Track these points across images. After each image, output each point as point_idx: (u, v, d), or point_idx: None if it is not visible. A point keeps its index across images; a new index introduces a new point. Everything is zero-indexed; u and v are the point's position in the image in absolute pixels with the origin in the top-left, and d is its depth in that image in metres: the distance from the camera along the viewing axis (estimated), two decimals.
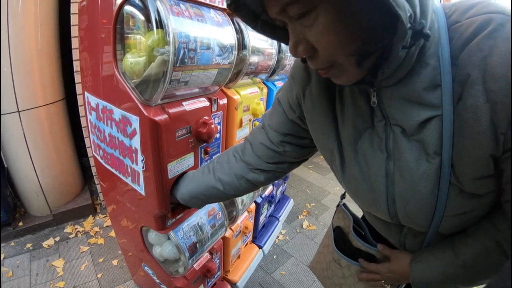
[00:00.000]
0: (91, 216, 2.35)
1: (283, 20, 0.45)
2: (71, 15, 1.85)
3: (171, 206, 1.01)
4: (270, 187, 1.87)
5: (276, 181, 1.96)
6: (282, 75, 1.56)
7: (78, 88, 2.00)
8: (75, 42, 1.92)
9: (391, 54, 0.43)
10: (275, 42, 1.31)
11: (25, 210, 2.23)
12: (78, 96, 2.02)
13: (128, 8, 0.77)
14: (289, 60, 1.47)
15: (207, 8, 0.90)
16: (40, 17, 1.88)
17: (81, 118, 2.13)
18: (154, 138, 0.81)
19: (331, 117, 0.61)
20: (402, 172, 0.54)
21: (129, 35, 0.82)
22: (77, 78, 2.00)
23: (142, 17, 0.76)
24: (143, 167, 0.88)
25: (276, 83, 1.51)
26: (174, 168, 0.90)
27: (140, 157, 0.87)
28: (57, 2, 2.00)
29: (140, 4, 0.76)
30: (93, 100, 1.00)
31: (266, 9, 0.46)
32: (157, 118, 0.79)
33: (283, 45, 1.40)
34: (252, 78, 1.28)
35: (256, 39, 1.14)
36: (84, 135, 2.16)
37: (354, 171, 0.61)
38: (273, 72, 1.42)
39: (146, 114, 0.79)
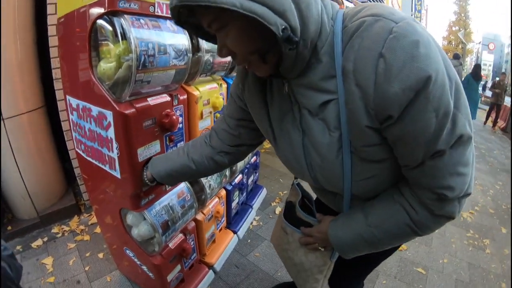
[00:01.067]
0: (76, 216, 2.56)
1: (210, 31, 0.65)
2: (48, 27, 2.08)
3: (145, 188, 1.25)
4: (240, 176, 2.11)
5: (245, 170, 2.21)
6: None
7: (59, 95, 2.22)
8: (53, 52, 2.14)
9: (283, 54, 0.61)
10: None
11: (13, 214, 2.43)
12: (58, 103, 2.24)
13: (99, 22, 1.01)
14: None
15: (164, 19, 1.15)
16: (19, 26, 2.09)
17: (62, 123, 2.35)
18: (124, 127, 1.05)
19: (263, 103, 0.83)
20: (313, 144, 0.73)
21: (101, 44, 1.06)
22: (57, 85, 2.23)
23: (110, 29, 1.01)
24: (117, 154, 1.12)
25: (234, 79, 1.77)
26: (143, 152, 1.14)
27: (115, 144, 1.11)
28: (33, 13, 2.22)
29: (108, 20, 1.00)
30: (74, 101, 1.24)
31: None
32: (126, 112, 1.04)
33: None
34: (211, 76, 1.53)
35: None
36: (66, 139, 2.39)
37: (283, 146, 0.83)
38: (232, 70, 1.68)
39: (117, 109, 1.03)
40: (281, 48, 0.59)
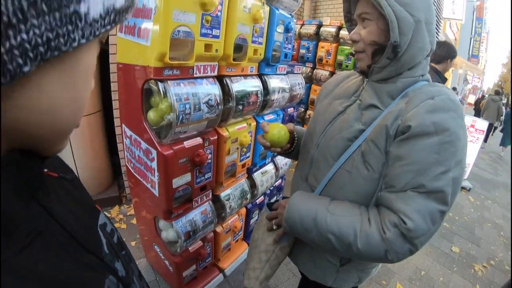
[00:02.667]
0: (117, 205, 3.11)
1: (356, 20, 0.98)
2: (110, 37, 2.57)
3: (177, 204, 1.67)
4: (261, 197, 2.50)
5: (268, 191, 2.59)
6: (270, 110, 2.20)
7: (114, 104, 2.74)
8: (112, 58, 2.63)
9: (381, 60, 0.92)
10: (260, 88, 1.93)
11: None
12: (114, 111, 2.76)
13: (149, 82, 1.43)
14: (276, 99, 2.10)
15: (201, 79, 1.54)
16: None
17: (116, 128, 2.88)
18: (164, 164, 1.47)
19: (337, 86, 1.20)
20: (343, 120, 1.02)
21: (151, 95, 1.47)
22: (114, 95, 2.74)
23: (157, 89, 1.41)
24: (158, 179, 1.55)
25: (265, 116, 2.15)
26: (177, 182, 1.56)
27: (156, 173, 1.54)
28: None
29: (155, 84, 1.41)
30: (127, 131, 1.68)
31: (353, 13, 1.01)
32: (166, 153, 1.45)
33: (269, 87, 2.02)
34: (243, 116, 1.92)
35: (241, 90, 1.77)
36: (118, 141, 2.92)
37: (320, 111, 1.15)
38: (263, 108, 2.05)
39: (160, 150, 1.45)
40: (385, 52, 0.90)
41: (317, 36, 4.35)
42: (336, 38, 4.11)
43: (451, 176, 0.80)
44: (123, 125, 1.75)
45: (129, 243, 2.67)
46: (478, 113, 13.77)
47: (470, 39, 29.13)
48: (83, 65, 0.35)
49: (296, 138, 1.28)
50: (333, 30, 4.13)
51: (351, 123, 0.99)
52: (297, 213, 0.98)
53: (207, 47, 1.47)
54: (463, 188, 5.61)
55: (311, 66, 4.50)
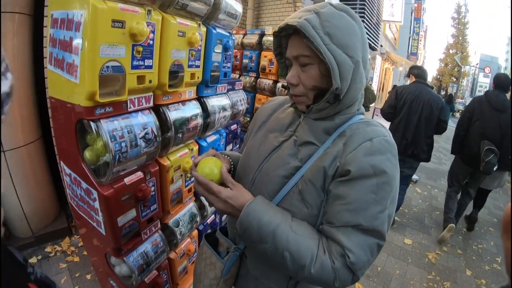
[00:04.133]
0: (67, 237, 3.04)
1: (292, 61, 0.99)
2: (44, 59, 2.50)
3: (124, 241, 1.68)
4: (212, 216, 2.54)
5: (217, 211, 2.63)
6: (213, 131, 2.24)
7: (53, 131, 2.67)
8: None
9: (321, 103, 0.95)
10: (200, 111, 1.97)
11: (10, 232, 2.90)
12: (54, 137, 2.69)
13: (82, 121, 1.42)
14: (218, 120, 2.15)
15: (135, 113, 1.55)
16: (16, 56, 2.52)
17: (57, 156, 2.80)
18: (106, 204, 1.48)
19: (270, 116, 1.22)
20: (278, 156, 1.03)
21: (86, 133, 1.46)
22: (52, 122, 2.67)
23: (90, 128, 1.40)
24: (102, 219, 1.55)
25: (207, 138, 2.19)
26: (122, 219, 1.57)
27: (100, 213, 1.54)
28: (31, 50, 2.64)
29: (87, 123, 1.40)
30: (67, 169, 1.66)
31: (287, 53, 1.01)
32: (106, 193, 1.46)
33: (209, 109, 2.06)
34: (184, 143, 1.95)
35: (180, 117, 1.79)
36: (60, 169, 2.84)
37: (256, 143, 1.15)
38: (205, 130, 2.09)
39: (100, 190, 1.45)
40: (326, 96, 0.94)
41: (259, 46, 4.43)
42: None
43: (387, 214, 0.88)
44: (61, 163, 1.72)
45: (84, 277, 2.63)
46: None
47: (409, 38, 31.75)
48: None
49: (232, 168, 1.25)
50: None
51: (287, 159, 1.01)
52: (257, 220, 0.91)
53: (140, 79, 1.48)
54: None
55: (255, 75, 4.60)
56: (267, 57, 4.30)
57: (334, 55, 0.88)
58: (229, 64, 2.20)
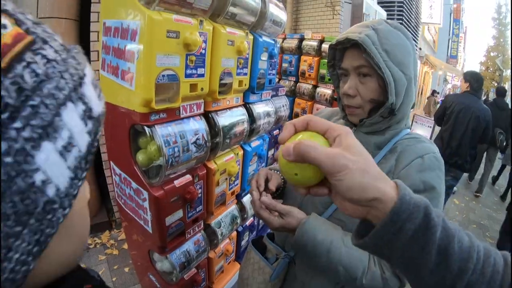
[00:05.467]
0: (107, 230, 3.21)
1: (349, 72, 1.05)
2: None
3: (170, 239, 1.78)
4: (251, 219, 2.63)
5: None
6: (257, 137, 2.32)
7: None
8: None
9: (375, 117, 1.02)
10: (246, 117, 2.05)
11: None
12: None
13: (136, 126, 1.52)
14: (262, 125, 2.22)
15: (187, 119, 1.65)
16: None
17: (102, 154, 2.97)
18: (156, 204, 1.58)
19: None
20: None
21: (140, 136, 1.57)
22: None
23: (145, 132, 1.50)
24: (151, 218, 1.66)
25: (252, 143, 2.27)
26: (169, 220, 1.67)
27: (149, 212, 1.65)
28: None
29: (142, 128, 1.50)
30: (117, 169, 1.78)
31: (344, 64, 1.07)
32: (157, 194, 1.55)
33: (255, 114, 2.14)
34: (230, 148, 2.04)
35: (228, 124, 1.88)
36: (104, 167, 3.01)
37: None
38: (250, 136, 2.17)
39: (151, 191, 1.55)
40: (380, 111, 1.01)
41: (299, 50, 4.49)
42: (318, 51, 4.26)
43: None
44: (111, 163, 1.84)
45: (122, 269, 2.78)
46: None
47: (448, 40, 31.11)
48: (75, 218, 0.43)
49: (283, 183, 1.29)
50: (315, 43, 4.28)
51: None
52: (311, 239, 0.97)
53: (193, 87, 1.57)
54: None
55: (294, 80, 4.65)
56: (307, 61, 4.35)
57: (391, 72, 0.95)
58: (274, 71, 2.27)
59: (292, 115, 4.52)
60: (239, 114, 2.00)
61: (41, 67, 0.33)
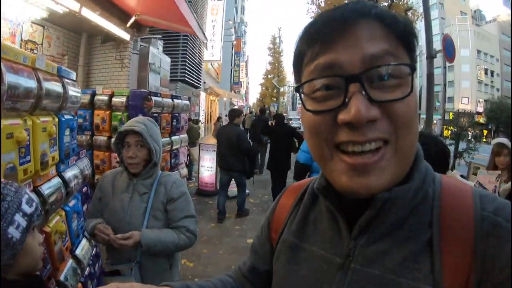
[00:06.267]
0: None
1: (131, 144, 2.08)
2: None
3: None
4: (87, 268, 3.00)
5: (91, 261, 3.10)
6: (72, 197, 2.78)
7: None
8: None
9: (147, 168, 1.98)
10: (62, 185, 2.52)
11: None
12: None
13: None
14: (74, 186, 2.71)
15: None
16: None
17: None
18: None
19: None
20: None
21: None
22: None
23: None
24: None
25: (69, 204, 2.69)
26: None
27: None
28: None
29: None
30: None
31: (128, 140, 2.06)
32: None
33: (67, 180, 2.62)
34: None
35: (51, 193, 2.33)
36: None
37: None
38: (67, 197, 2.61)
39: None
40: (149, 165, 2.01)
41: (91, 105, 4.84)
42: (109, 105, 4.74)
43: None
44: None
45: None
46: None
47: (231, 70, 36.57)
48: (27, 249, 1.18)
49: None
50: (106, 98, 4.74)
51: None
52: (154, 237, 2.03)
53: (25, 171, 1.96)
54: None
55: (90, 133, 4.95)
56: (100, 115, 4.78)
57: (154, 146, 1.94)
58: (75, 140, 2.77)
59: (93, 168, 4.78)
60: (57, 183, 2.43)
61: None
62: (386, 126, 0.56)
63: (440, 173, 0.71)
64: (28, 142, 2.01)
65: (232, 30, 31.70)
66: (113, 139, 4.77)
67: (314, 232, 0.76)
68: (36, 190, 2.18)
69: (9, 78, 1.77)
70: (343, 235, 0.68)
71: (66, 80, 2.58)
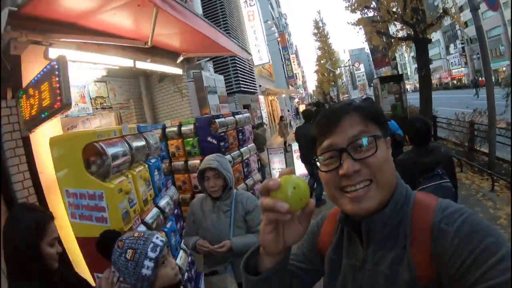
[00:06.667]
0: None
1: (210, 177, 2.58)
2: None
3: None
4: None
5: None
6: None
7: None
8: None
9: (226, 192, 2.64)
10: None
11: None
12: None
13: None
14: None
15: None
16: None
17: None
18: None
19: None
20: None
21: None
22: None
23: None
24: None
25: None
26: None
27: None
28: None
29: None
30: None
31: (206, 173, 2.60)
32: None
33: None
34: None
35: None
36: None
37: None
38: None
39: None
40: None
41: (165, 137, 5.39)
42: (179, 134, 5.28)
43: None
44: None
45: None
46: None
47: (283, 65, 36.19)
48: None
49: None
50: (175, 129, 5.29)
51: None
52: (237, 244, 2.53)
53: (134, 211, 2.71)
54: None
55: (168, 161, 5.49)
56: (173, 144, 5.32)
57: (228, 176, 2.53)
58: (162, 176, 3.48)
59: (177, 188, 5.13)
60: (156, 213, 3.14)
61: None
62: (367, 172, 0.86)
63: (426, 137, 2.57)
64: (132, 190, 2.71)
65: (273, 28, 31.75)
66: (189, 162, 5.32)
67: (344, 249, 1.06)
68: (143, 221, 2.89)
69: (110, 151, 2.49)
70: (359, 248, 0.98)
71: (145, 133, 3.31)
